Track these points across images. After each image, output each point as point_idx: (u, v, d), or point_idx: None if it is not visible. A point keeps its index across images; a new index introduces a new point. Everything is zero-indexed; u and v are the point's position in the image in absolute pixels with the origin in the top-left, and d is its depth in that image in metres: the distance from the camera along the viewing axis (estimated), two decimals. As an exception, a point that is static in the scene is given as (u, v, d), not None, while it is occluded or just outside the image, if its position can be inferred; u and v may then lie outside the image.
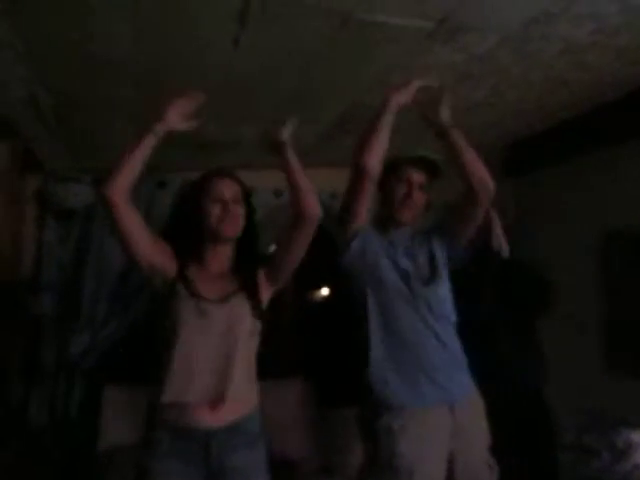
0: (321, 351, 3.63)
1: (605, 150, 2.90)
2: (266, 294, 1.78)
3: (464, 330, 1.93)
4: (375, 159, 1.79)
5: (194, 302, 1.64)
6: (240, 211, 1.74)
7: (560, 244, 3.07)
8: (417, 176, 1.94)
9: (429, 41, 1.90)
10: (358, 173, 1.80)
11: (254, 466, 1.68)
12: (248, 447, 1.67)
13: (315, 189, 1.75)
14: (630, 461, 2.21)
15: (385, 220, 1.96)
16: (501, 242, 2.27)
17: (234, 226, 1.72)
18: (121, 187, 1.56)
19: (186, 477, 1.61)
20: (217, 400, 1.63)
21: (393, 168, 1.94)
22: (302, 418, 2.85)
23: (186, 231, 1.72)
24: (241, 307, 1.70)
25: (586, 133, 2.96)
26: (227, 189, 1.73)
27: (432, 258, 1.93)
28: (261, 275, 1.78)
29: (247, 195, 1.79)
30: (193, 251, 1.73)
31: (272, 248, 3.54)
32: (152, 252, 1.65)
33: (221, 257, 1.75)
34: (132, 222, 1.60)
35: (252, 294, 1.72)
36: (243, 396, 1.69)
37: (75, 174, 2.93)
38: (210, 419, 1.63)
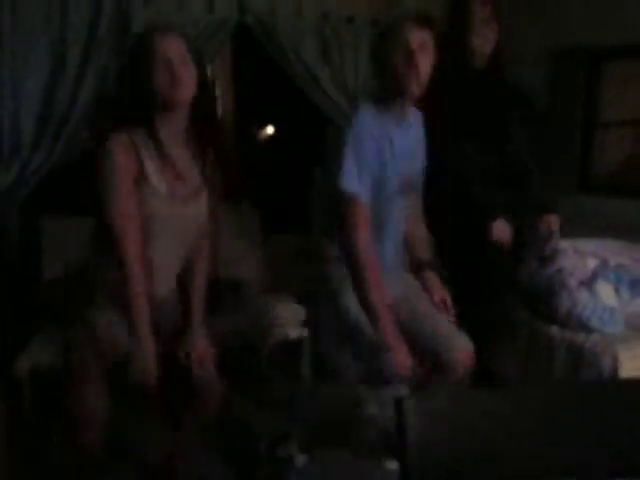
0: (266, 181, 3.63)
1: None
2: None
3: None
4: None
5: (159, 195, 1.54)
6: (189, 72, 1.53)
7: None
8: (418, 36, 1.64)
9: None
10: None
11: None
12: None
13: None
14: (554, 266, 2.38)
15: (387, 94, 1.72)
16: None
17: (182, 89, 1.51)
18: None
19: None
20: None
21: (386, 34, 1.68)
22: (249, 241, 2.91)
23: (136, 102, 1.53)
24: (204, 204, 1.65)
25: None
26: (170, 48, 1.50)
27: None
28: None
29: (198, 55, 1.58)
30: (143, 121, 1.54)
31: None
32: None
33: (173, 127, 1.57)
34: None
35: (212, 186, 1.66)
36: None
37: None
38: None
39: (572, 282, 2.31)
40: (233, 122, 3.33)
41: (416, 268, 1.96)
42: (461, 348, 1.81)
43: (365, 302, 1.68)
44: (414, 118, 1.83)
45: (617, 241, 2.65)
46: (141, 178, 1.52)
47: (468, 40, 2.18)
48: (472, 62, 2.22)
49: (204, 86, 1.59)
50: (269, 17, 2.95)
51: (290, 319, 2.65)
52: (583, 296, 2.28)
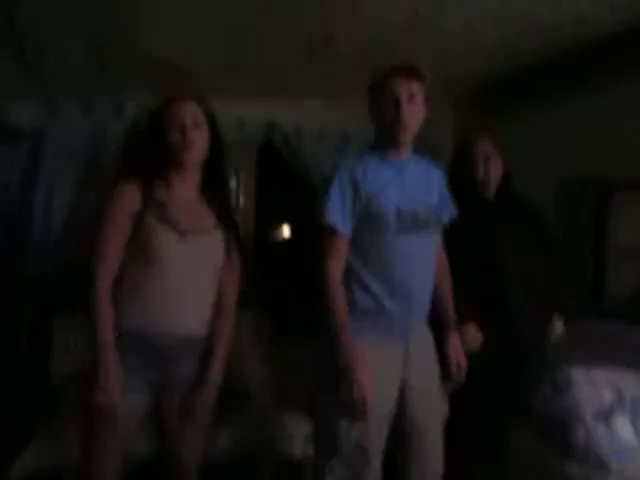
0: (280, 287, 3.64)
1: (566, 97, 2.89)
2: None
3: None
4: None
5: (169, 230, 1.64)
6: (201, 136, 1.70)
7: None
8: (404, 87, 1.70)
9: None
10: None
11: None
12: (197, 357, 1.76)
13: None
14: (569, 396, 2.31)
15: (381, 141, 1.78)
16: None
17: (194, 152, 1.68)
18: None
19: (136, 388, 1.63)
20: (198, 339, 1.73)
21: (377, 85, 1.75)
22: (257, 350, 2.88)
23: (150, 157, 1.69)
24: (218, 240, 1.73)
25: (552, 78, 2.94)
26: (186, 113, 1.68)
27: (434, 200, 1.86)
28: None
29: (211, 117, 1.74)
30: (159, 177, 1.70)
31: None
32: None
33: (188, 183, 1.74)
34: None
35: (228, 228, 1.75)
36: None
37: (23, 92, 2.75)
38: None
39: (588, 415, 2.24)
40: (253, 234, 3.43)
41: (445, 325, 1.91)
42: (435, 464, 1.84)
43: (331, 324, 1.70)
44: (415, 163, 1.85)
45: (633, 371, 2.59)
46: (148, 215, 1.63)
47: (473, 175, 2.26)
48: (480, 193, 2.28)
49: (216, 147, 1.75)
50: (294, 135, 3.13)
51: (295, 434, 2.57)
52: (600, 431, 2.20)
